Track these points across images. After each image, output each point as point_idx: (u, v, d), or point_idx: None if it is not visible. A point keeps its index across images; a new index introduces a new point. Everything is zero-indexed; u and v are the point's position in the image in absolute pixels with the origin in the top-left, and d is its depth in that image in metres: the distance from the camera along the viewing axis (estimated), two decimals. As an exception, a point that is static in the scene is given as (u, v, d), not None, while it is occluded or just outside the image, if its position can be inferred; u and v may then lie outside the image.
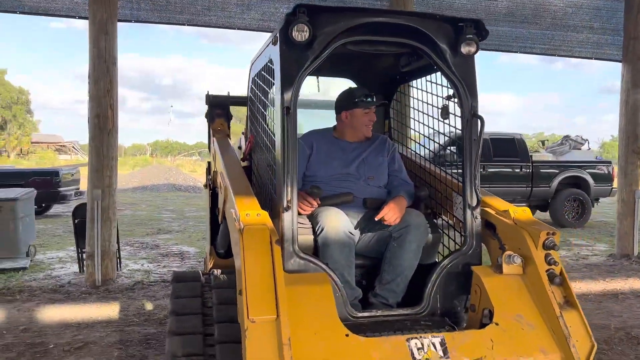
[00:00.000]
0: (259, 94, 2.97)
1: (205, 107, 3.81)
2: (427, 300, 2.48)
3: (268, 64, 2.56)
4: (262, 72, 2.77)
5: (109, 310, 4.96)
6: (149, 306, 5.13)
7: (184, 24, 6.79)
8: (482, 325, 2.26)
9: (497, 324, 2.19)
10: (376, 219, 2.66)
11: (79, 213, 6.33)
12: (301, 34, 2.17)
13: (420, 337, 2.06)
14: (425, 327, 2.33)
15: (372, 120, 3.00)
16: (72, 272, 6.48)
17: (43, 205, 12.22)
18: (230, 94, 3.86)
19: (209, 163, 3.77)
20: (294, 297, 2.01)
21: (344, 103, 2.99)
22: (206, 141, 3.90)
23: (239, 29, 7.07)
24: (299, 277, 2.18)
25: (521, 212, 2.52)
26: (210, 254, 3.50)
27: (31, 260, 6.89)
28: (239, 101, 3.79)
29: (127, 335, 4.28)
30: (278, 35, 2.28)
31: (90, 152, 5.92)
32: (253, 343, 1.81)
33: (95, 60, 5.85)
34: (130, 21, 6.56)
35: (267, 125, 2.71)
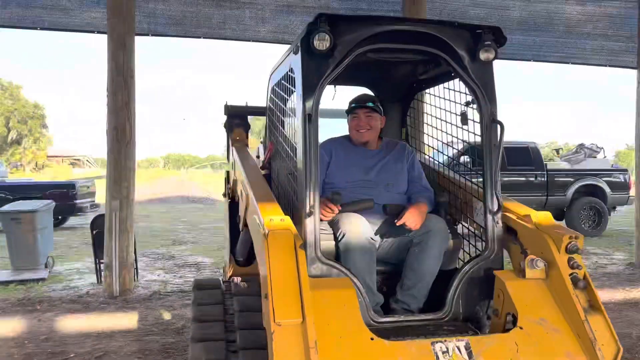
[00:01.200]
0: (278, 102, 3.01)
1: (224, 118, 3.86)
2: (450, 306, 2.48)
3: (289, 72, 2.60)
4: (282, 81, 2.82)
5: (128, 320, 4.99)
6: (167, 316, 5.16)
7: (199, 37, 6.90)
8: (506, 330, 2.25)
9: (521, 328, 2.18)
10: (397, 224, 2.67)
11: (97, 224, 6.41)
12: (322, 42, 2.21)
13: (445, 341, 2.06)
14: (449, 332, 2.32)
15: (360, 126, 3.00)
16: (90, 283, 6.55)
17: (60, 217, 12.37)
18: (248, 104, 3.90)
19: (227, 172, 3.81)
20: (318, 301, 2.02)
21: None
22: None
23: (253, 41, 7.16)
24: (322, 281, 2.20)
25: (543, 216, 2.52)
26: (229, 262, 3.53)
27: (49, 272, 6.97)
28: (257, 111, 3.84)
29: (146, 344, 4.30)
30: (299, 44, 2.32)
31: (108, 163, 6.01)
32: (280, 346, 1.82)
33: (113, 73, 5.95)
34: (147, 35, 6.68)
35: (287, 134, 2.74)
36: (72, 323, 4.89)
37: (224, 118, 3.86)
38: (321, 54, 2.25)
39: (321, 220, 2.57)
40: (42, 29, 6.45)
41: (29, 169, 41.71)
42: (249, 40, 7.18)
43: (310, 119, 2.26)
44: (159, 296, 5.91)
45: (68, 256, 8.42)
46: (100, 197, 14.25)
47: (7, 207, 7.21)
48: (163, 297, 5.89)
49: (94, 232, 6.44)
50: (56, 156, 50.44)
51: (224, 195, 3.87)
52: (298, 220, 2.34)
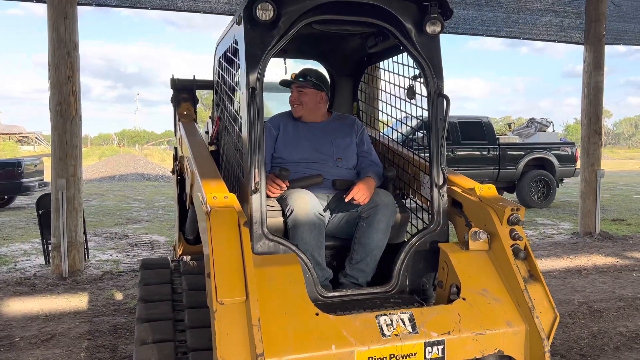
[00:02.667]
0: (224, 76, 2.92)
1: (171, 92, 3.73)
2: (397, 279, 2.51)
3: (233, 44, 2.52)
4: (228, 54, 2.73)
5: (77, 302, 4.86)
6: (118, 296, 5.05)
7: (147, 8, 6.61)
8: (450, 301, 2.30)
9: (464, 299, 2.23)
10: (346, 200, 2.67)
11: (43, 204, 6.17)
12: (265, 12, 2.14)
13: (390, 313, 2.09)
14: (395, 305, 2.35)
15: (292, 101, 3.00)
16: (37, 265, 6.33)
17: (5, 197, 11.87)
18: (196, 78, 3.79)
19: (176, 149, 3.71)
20: (263, 279, 2.01)
21: None
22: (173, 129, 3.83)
23: (204, 12, 6.92)
24: (268, 258, 2.18)
25: (486, 189, 2.56)
26: (179, 240, 3.46)
27: (-6, 254, 6.70)
28: (205, 85, 3.73)
29: (97, 325, 4.21)
30: (242, 14, 2.24)
31: (53, 141, 5.75)
32: (222, 325, 1.80)
33: (55, 45, 5.65)
34: (91, 4, 6.35)
35: (234, 108, 2.68)
36: (18, 306, 4.73)
37: (171, 92, 3.74)
38: (265, 24, 2.18)
39: (269, 196, 2.54)
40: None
41: (-28, 147, 39.64)
42: (200, 12, 6.94)
43: (254, 92, 2.20)
44: (110, 276, 5.77)
45: (14, 237, 8.10)
46: (50, 175, 13.81)
47: (-56, 188, 6.83)
48: (115, 277, 5.76)
49: (40, 212, 6.20)
50: (3, 133, 48.15)
51: (173, 172, 3.77)
52: (245, 198, 2.30)
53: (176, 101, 3.65)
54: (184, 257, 3.19)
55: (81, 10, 5.82)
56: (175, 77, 3.72)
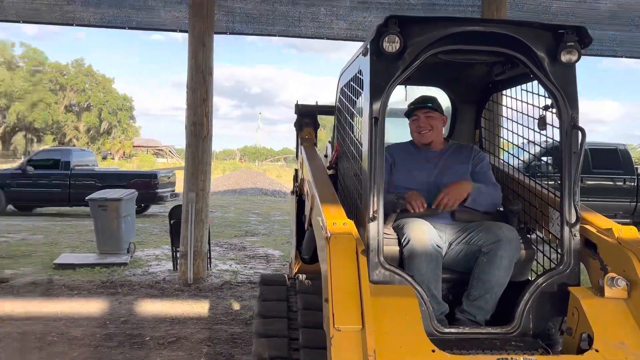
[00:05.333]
0: (347, 103, 3.00)
1: (295, 116, 3.91)
2: (519, 320, 2.37)
3: (357, 74, 2.58)
4: (351, 83, 2.80)
5: (199, 308, 5.22)
6: (236, 306, 5.33)
7: (275, 35, 7.02)
8: (580, 351, 2.12)
9: (597, 351, 2.04)
10: (433, 207, 2.61)
11: (175, 214, 6.73)
12: (392, 44, 2.17)
13: (512, 357, 1.97)
14: (517, 348, 2.22)
15: (421, 127, 2.93)
16: (166, 270, 6.90)
17: (142, 205, 13.11)
18: (319, 103, 3.93)
19: (296, 170, 3.86)
20: (379, 309, 2.00)
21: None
22: (292, 147, 4.00)
23: (327, 38, 7.19)
24: (384, 288, 2.17)
25: (627, 231, 2.34)
26: (295, 258, 3.58)
27: (131, 257, 7.42)
28: (326, 110, 3.85)
29: (216, 333, 4.48)
30: (368, 46, 2.29)
31: (186, 157, 6.29)
32: (338, 352, 1.83)
33: (193, 71, 6.21)
34: (225, 33, 6.89)
35: (354, 135, 2.73)
36: (149, 307, 5.19)
37: (295, 116, 3.91)
38: (391, 55, 2.21)
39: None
40: (130, 28, 6.84)
41: (117, 158, 44.55)
42: (323, 38, 7.22)
43: (376, 122, 2.23)
44: (229, 286, 6.12)
45: (148, 243, 8.91)
46: (180, 187, 15.05)
47: (95, 195, 7.74)
48: (233, 287, 6.10)
49: (172, 221, 6.76)
50: (142, 146, 53.57)
51: (292, 192, 3.92)
52: (362, 224, 2.33)
53: (299, 125, 3.82)
54: (300, 275, 3.29)
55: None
56: (299, 102, 3.89)
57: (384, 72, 2.25)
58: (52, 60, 44.17)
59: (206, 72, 6.22)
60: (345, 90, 3.01)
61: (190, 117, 6.22)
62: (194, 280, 6.14)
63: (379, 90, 2.24)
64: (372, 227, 2.26)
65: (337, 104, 3.33)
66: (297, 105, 3.88)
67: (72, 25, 7.15)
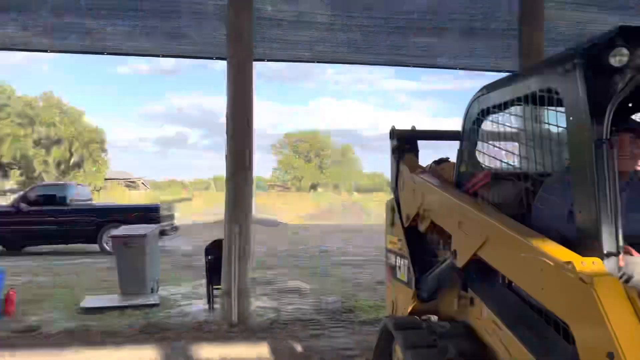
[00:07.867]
0: (505, 126, 2.72)
1: (391, 142, 3.70)
2: None
3: (543, 93, 2.33)
4: (523, 104, 2.56)
5: (262, 350, 4.86)
6: (298, 347, 4.99)
7: (313, 61, 6.86)
8: None
9: None
10: None
11: (212, 250, 6.37)
12: (621, 58, 1.99)
13: None
14: None
15: None
16: (202, 310, 6.47)
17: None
18: (415, 128, 3.73)
19: (397, 200, 3.61)
20: None
21: None
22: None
23: (362, 64, 7.08)
24: None
25: None
26: (412, 297, 3.30)
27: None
28: (429, 136, 3.67)
29: (295, 378, 4.14)
30: (581, 62, 2.07)
31: (229, 188, 5.96)
32: None
33: (232, 99, 5.95)
34: (263, 60, 6.70)
35: (552, 158, 2.43)
36: (207, 352, 4.80)
37: (391, 142, 3.71)
38: (612, 70, 2.01)
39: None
40: (164, 56, 6.58)
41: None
42: (358, 63, 7.10)
43: (601, 144, 2.00)
44: (279, 325, 5.76)
45: (167, 280, 8.41)
46: (178, 219, 14.53)
47: (117, 232, 7.28)
48: (283, 326, 5.74)
49: (209, 257, 6.40)
50: (112, 179, 52.13)
51: (392, 224, 3.68)
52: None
53: (400, 152, 3.59)
54: (429, 316, 3.04)
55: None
56: (395, 128, 3.69)
57: (603, 89, 2.05)
58: (19, 93, 42.86)
59: (246, 99, 5.98)
60: (497, 111, 2.75)
61: (231, 147, 5.93)
62: (239, 320, 5.75)
63: (602, 110, 2.03)
64: (610, 263, 1.99)
65: (473, 127, 3.01)
66: (394, 131, 3.66)
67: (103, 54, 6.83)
